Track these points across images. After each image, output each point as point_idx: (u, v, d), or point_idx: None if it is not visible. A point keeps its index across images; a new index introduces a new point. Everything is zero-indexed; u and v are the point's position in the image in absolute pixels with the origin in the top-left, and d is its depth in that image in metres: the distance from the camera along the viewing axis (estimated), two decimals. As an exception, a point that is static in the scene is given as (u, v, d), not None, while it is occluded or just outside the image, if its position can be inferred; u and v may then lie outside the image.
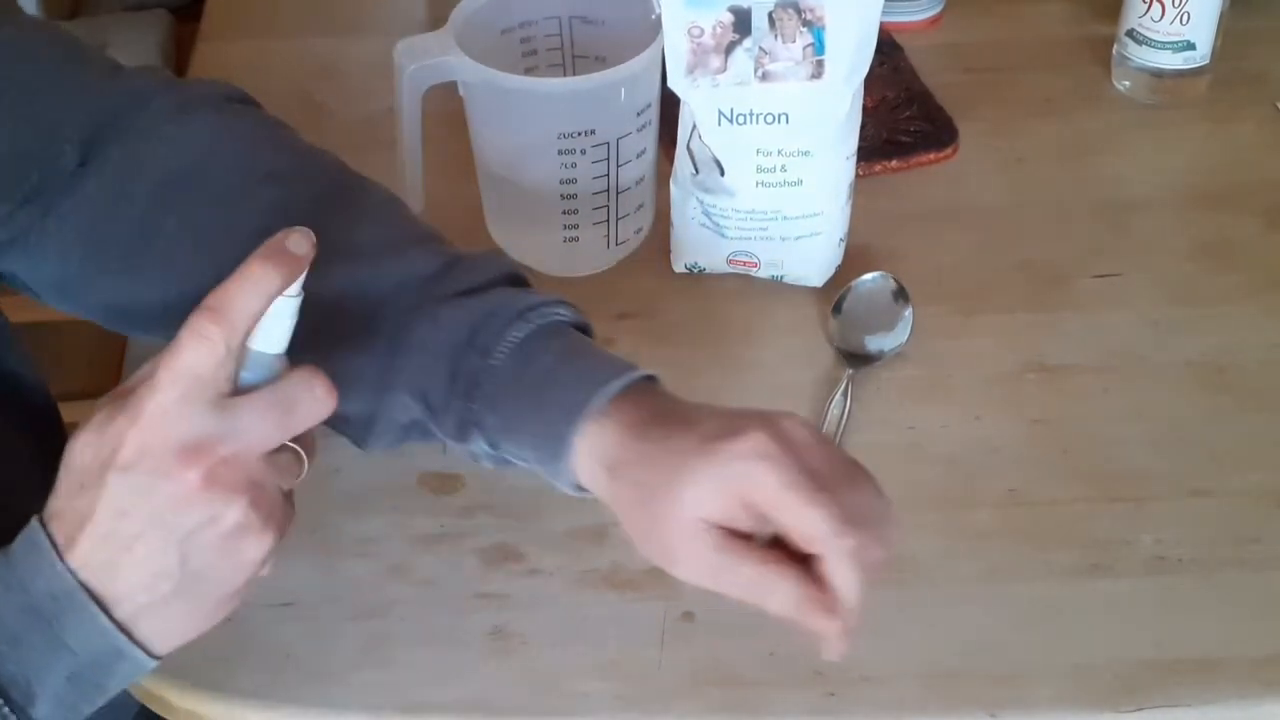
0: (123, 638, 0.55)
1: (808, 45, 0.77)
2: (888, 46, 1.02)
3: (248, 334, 0.55)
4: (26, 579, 0.55)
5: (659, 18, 0.78)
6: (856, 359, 0.82)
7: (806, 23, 0.76)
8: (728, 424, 0.58)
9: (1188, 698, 0.66)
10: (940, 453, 0.77)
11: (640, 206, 0.87)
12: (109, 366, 0.84)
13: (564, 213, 0.84)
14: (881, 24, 0.78)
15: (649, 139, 0.84)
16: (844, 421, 0.78)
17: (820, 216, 0.83)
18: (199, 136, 0.71)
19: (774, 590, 0.56)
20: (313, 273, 0.61)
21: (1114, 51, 1.02)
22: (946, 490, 0.75)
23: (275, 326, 0.56)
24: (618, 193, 0.84)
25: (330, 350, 0.64)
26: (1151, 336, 0.84)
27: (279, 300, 0.55)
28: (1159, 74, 1.00)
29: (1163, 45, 0.98)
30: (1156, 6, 0.96)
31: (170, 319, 0.67)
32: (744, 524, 0.57)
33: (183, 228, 0.69)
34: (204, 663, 0.68)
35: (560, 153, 0.81)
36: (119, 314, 0.72)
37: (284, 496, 0.57)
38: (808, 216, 0.83)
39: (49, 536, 0.55)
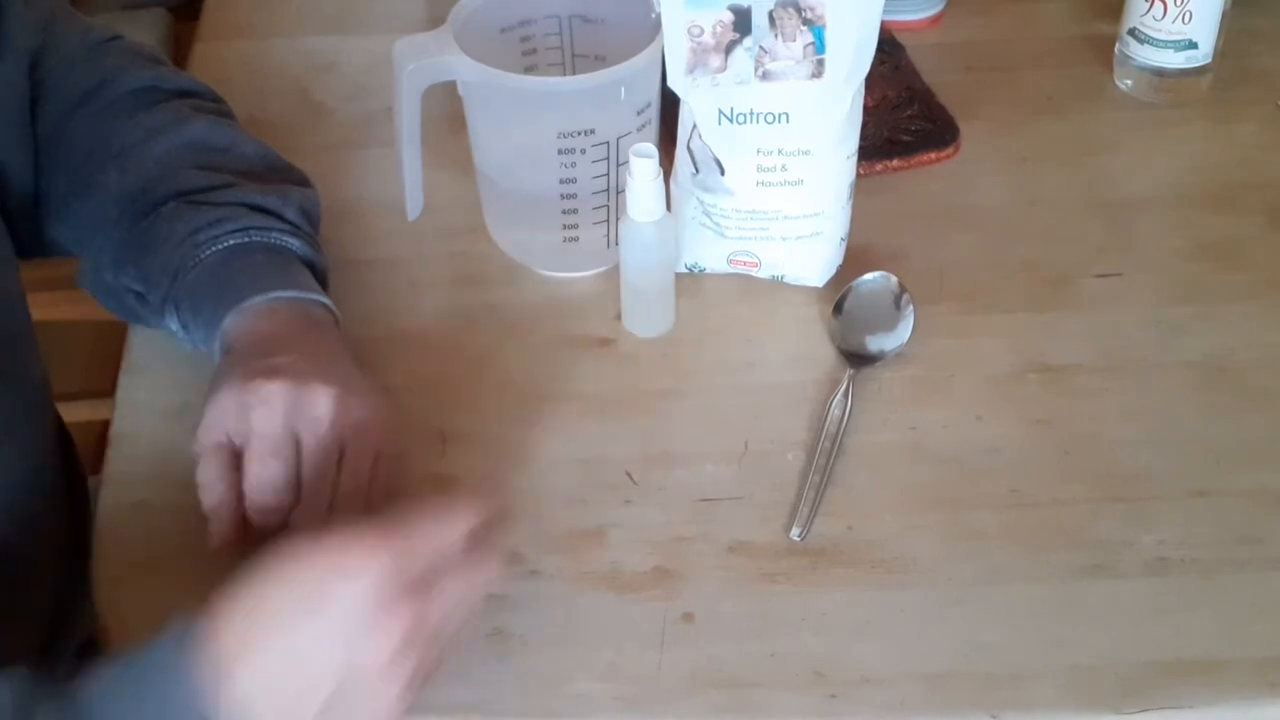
0: None
1: (808, 44, 0.77)
2: (889, 45, 1.01)
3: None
4: (167, 700, 0.55)
5: (659, 17, 0.77)
6: (858, 359, 0.81)
7: (807, 21, 0.76)
8: (274, 369, 0.69)
9: (1190, 699, 0.66)
10: (942, 453, 0.77)
11: (640, 206, 0.87)
12: (109, 366, 0.84)
13: (564, 212, 0.84)
14: (882, 23, 0.78)
15: (649, 138, 0.84)
16: (845, 422, 0.78)
17: (821, 216, 0.83)
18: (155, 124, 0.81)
19: (215, 495, 0.68)
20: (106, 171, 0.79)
21: (1116, 50, 1.02)
22: (948, 490, 0.75)
23: None
24: (618, 193, 0.84)
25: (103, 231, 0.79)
26: (1153, 336, 0.84)
27: None
28: (1161, 73, 0.99)
29: (1165, 44, 0.98)
30: (1159, 5, 0.96)
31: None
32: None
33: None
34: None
35: (560, 152, 0.81)
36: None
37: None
38: (808, 216, 0.82)
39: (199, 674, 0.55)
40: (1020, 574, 0.71)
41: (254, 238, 0.76)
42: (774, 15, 0.76)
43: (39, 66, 0.81)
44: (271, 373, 0.69)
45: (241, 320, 0.73)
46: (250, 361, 0.70)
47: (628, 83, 0.80)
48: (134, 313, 0.80)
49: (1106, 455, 0.77)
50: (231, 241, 0.76)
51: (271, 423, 0.68)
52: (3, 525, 0.71)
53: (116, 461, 0.77)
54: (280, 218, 0.78)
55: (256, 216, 0.77)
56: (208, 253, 0.75)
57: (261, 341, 0.72)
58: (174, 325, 0.77)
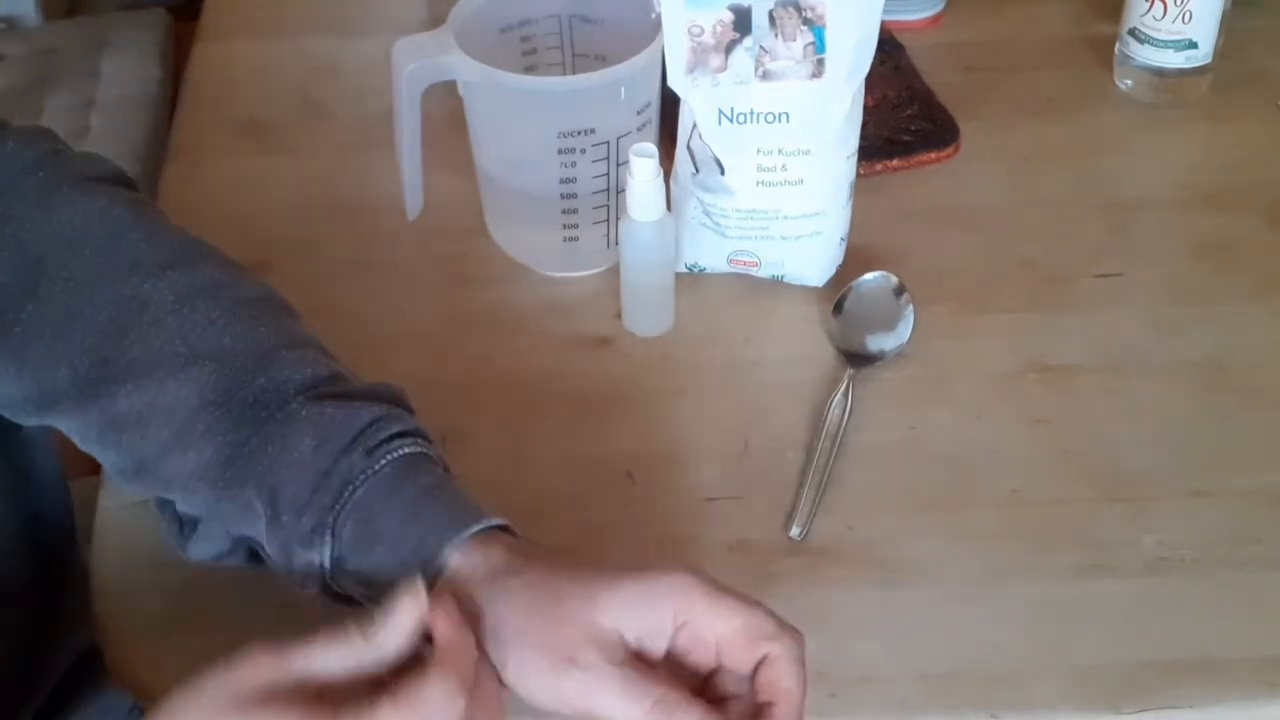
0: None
1: (808, 44, 0.77)
2: (889, 45, 1.01)
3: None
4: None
5: (659, 16, 0.77)
6: (858, 359, 0.81)
7: (807, 21, 0.76)
8: (638, 561, 0.59)
9: (1189, 699, 0.66)
10: (941, 453, 0.77)
11: (640, 206, 0.87)
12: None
13: (564, 212, 0.84)
14: (882, 22, 0.78)
15: (649, 138, 0.84)
16: (845, 422, 0.78)
17: (821, 216, 0.83)
18: (66, 220, 0.67)
19: (686, 710, 0.55)
20: (171, 369, 0.63)
21: (1116, 50, 1.02)
22: (947, 490, 0.75)
23: None
24: (618, 192, 0.84)
25: (181, 449, 0.63)
26: (1152, 336, 0.84)
27: None
28: (1161, 73, 0.99)
29: (1165, 44, 0.98)
30: (1159, 5, 0.96)
31: (19, 409, 0.67)
32: (654, 647, 0.57)
33: (40, 315, 0.65)
34: (202, 664, 0.68)
35: (560, 152, 0.81)
36: None
37: None
38: (808, 216, 0.82)
39: None
40: (1020, 574, 0.71)
41: (421, 447, 0.64)
42: (774, 15, 0.76)
43: None
44: (642, 567, 0.58)
45: (481, 549, 0.60)
46: (572, 574, 0.59)
47: (628, 83, 0.80)
48: (231, 549, 0.65)
49: (1106, 455, 0.77)
50: (405, 450, 0.62)
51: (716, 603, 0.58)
52: None
53: (116, 461, 0.77)
54: (405, 404, 0.67)
55: (392, 407, 0.64)
56: (381, 464, 0.61)
57: (540, 556, 0.60)
58: (319, 556, 0.61)
